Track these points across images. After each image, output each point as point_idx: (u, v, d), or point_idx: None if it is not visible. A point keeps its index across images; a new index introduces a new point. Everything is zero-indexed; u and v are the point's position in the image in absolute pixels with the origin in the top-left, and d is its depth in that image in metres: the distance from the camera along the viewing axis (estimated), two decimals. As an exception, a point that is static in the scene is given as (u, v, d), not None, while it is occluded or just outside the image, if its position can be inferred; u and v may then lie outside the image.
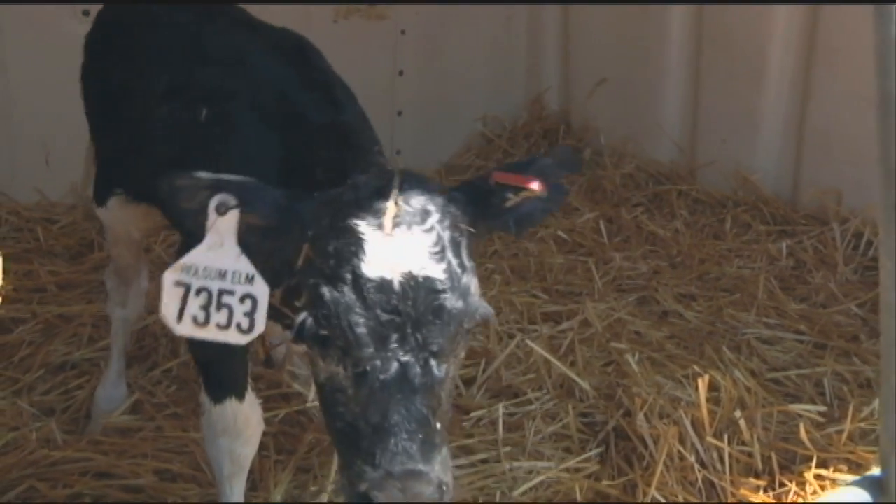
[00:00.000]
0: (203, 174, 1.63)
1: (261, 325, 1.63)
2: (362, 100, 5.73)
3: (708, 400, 2.77)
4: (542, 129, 5.30)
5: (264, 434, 2.89)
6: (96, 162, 2.76)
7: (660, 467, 2.62)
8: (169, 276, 1.65)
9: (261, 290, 1.63)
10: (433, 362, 1.50)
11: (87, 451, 2.83)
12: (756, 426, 2.81)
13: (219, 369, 2.17)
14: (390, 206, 1.53)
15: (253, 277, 1.63)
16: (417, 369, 1.48)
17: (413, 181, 1.59)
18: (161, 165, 2.05)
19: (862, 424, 2.86)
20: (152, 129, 2.27)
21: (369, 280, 1.48)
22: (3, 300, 3.74)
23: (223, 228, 1.62)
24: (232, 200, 1.61)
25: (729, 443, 2.74)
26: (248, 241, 1.63)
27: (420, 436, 1.46)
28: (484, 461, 2.82)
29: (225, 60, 2.24)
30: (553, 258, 4.10)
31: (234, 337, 1.63)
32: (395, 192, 1.55)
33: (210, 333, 1.64)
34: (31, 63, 4.44)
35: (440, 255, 1.52)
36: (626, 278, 4.00)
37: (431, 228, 1.53)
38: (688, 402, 2.88)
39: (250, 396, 2.30)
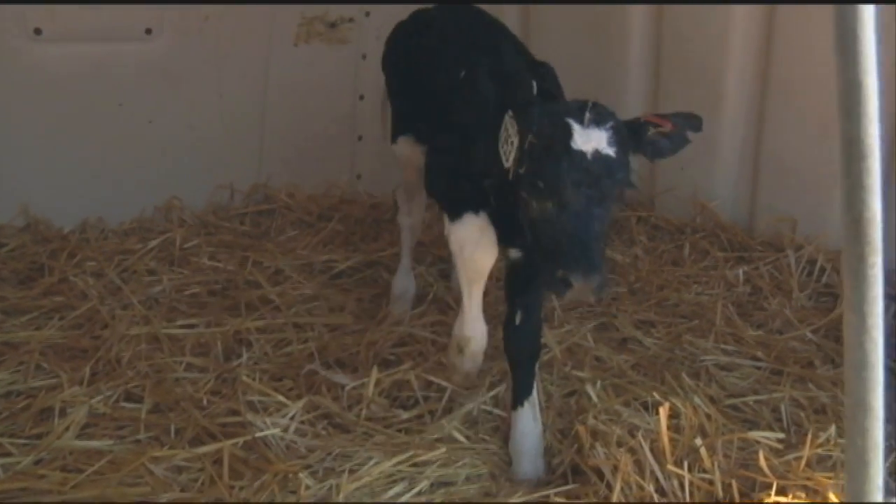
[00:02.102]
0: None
1: (512, 158, 2.53)
2: (323, 124, 5.72)
3: (668, 427, 2.76)
4: (503, 155, 5.31)
5: (216, 463, 2.84)
6: (392, 114, 3.75)
7: (616, 495, 2.61)
8: (507, 116, 2.58)
9: (516, 140, 2.54)
10: (603, 203, 2.45)
11: (28, 483, 2.73)
12: (717, 453, 2.81)
13: (453, 194, 3.01)
14: (587, 113, 2.47)
15: (516, 134, 2.54)
16: (595, 204, 2.43)
17: (602, 108, 2.51)
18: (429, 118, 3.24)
19: (819, 450, 2.88)
20: (430, 95, 3.26)
21: (574, 150, 2.43)
22: (-54, 326, 3.62)
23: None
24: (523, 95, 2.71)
25: (689, 470, 2.74)
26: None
27: (595, 244, 2.41)
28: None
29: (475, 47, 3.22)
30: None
31: (503, 161, 2.55)
32: (589, 106, 2.49)
33: (502, 152, 2.56)
34: (-20, 82, 4.34)
35: (612, 144, 2.46)
36: (587, 305, 4.00)
37: (609, 128, 2.47)
38: (647, 429, 2.87)
39: (483, 214, 2.94)
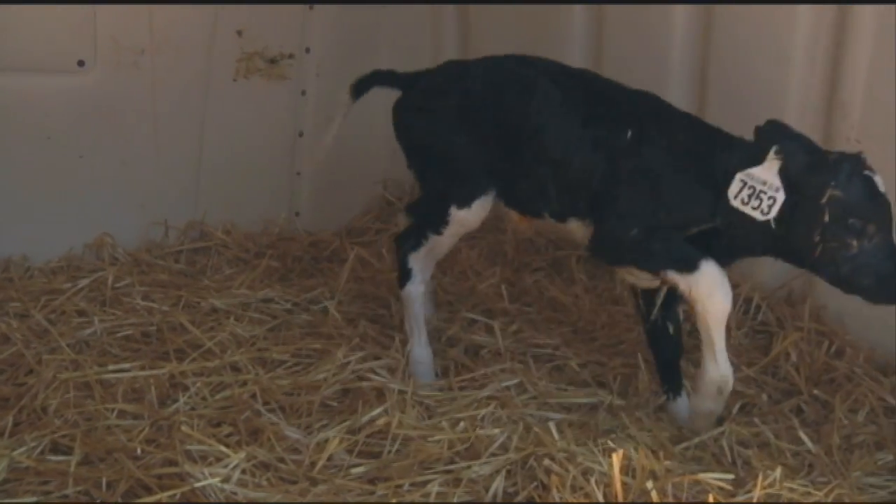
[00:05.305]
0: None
1: (776, 211, 3.05)
2: (261, 160, 5.61)
3: (621, 470, 2.75)
4: (443, 195, 5.29)
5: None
6: (448, 176, 3.64)
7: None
8: (739, 175, 3.10)
9: (781, 196, 3.05)
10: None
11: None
12: (668, 495, 2.81)
13: (675, 250, 3.33)
14: (866, 162, 3.12)
15: (779, 189, 3.05)
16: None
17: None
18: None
19: (769, 490, 2.91)
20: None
21: (882, 195, 3.08)
22: None
23: (773, 167, 3.08)
24: (802, 154, 3.11)
25: (642, 514, 2.72)
26: (789, 177, 3.07)
27: None
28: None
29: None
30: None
31: (758, 215, 3.09)
32: (863, 156, 3.13)
33: (747, 209, 3.10)
34: None
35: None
36: (534, 346, 3.99)
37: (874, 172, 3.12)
38: (601, 472, 2.85)
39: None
